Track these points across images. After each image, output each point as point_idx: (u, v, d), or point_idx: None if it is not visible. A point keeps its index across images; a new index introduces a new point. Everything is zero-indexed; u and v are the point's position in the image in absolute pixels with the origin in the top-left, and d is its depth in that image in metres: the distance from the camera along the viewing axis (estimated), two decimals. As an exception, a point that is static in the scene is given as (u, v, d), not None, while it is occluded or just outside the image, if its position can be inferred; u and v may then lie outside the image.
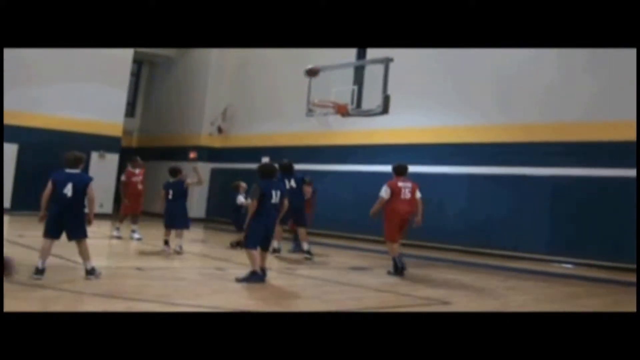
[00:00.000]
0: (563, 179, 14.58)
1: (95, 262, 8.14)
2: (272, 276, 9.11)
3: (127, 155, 16.69)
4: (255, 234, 8.87)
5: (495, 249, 15.22)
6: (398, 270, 10.69)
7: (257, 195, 8.82)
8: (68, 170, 7.91)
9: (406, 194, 10.85)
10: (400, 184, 10.91)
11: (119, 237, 13.64)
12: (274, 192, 8.95)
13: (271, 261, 10.49)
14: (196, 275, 9.84)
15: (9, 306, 5.03)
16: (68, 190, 7.71)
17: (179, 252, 11.76)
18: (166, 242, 11.88)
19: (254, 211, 8.84)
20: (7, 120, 18.88)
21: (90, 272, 7.94)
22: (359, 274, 10.64)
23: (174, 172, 12.23)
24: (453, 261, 14.12)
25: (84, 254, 7.95)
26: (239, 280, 8.72)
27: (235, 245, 13.03)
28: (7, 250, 10.09)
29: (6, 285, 6.36)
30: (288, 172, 12.84)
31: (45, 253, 7.77)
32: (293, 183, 12.75)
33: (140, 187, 14.04)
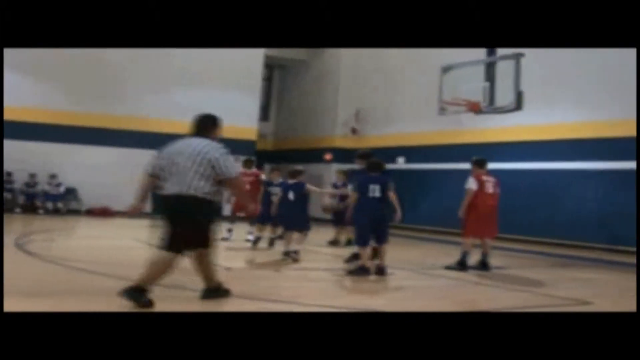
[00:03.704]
0: None
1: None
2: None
3: (263, 159, 17.01)
4: (361, 231, 9.18)
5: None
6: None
7: (356, 188, 9.25)
8: (290, 181, 10.84)
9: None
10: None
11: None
12: (371, 186, 9.00)
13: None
14: (329, 277, 9.96)
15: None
16: (291, 195, 10.65)
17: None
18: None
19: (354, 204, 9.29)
20: (146, 127, 19.96)
21: (290, 254, 10.39)
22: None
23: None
24: (592, 259, 13.66)
25: (294, 241, 10.50)
26: (349, 272, 9.18)
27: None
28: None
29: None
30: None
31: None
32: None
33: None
